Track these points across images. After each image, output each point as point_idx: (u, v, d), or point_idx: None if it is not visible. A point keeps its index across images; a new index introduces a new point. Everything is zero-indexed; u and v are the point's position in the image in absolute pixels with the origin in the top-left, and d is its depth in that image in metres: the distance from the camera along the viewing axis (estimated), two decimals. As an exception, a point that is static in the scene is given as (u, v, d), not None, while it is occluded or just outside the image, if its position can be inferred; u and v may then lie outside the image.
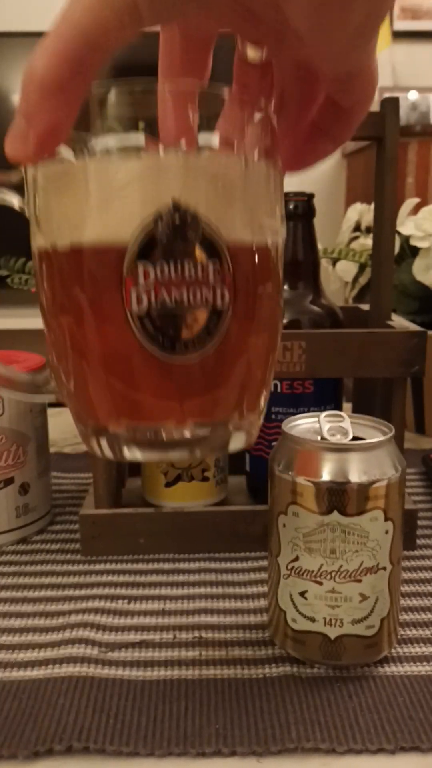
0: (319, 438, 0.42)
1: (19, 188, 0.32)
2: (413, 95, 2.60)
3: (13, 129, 0.27)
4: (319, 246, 0.85)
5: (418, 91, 2.59)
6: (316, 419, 0.44)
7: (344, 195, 2.65)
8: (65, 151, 0.29)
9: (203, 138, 0.30)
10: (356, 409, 0.68)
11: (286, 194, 0.61)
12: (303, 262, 0.60)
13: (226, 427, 0.33)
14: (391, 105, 0.57)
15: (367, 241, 0.90)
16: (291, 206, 0.60)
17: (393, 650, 0.44)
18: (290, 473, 0.41)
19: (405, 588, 0.51)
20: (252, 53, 0.32)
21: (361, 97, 0.31)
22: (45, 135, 0.26)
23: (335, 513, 0.40)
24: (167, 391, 0.31)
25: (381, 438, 0.41)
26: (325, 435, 0.42)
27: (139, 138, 0.30)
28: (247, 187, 0.31)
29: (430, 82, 2.60)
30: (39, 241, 0.32)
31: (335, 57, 0.28)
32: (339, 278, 0.95)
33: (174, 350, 0.30)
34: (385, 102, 0.57)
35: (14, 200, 0.33)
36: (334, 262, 0.92)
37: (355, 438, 0.42)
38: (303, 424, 0.44)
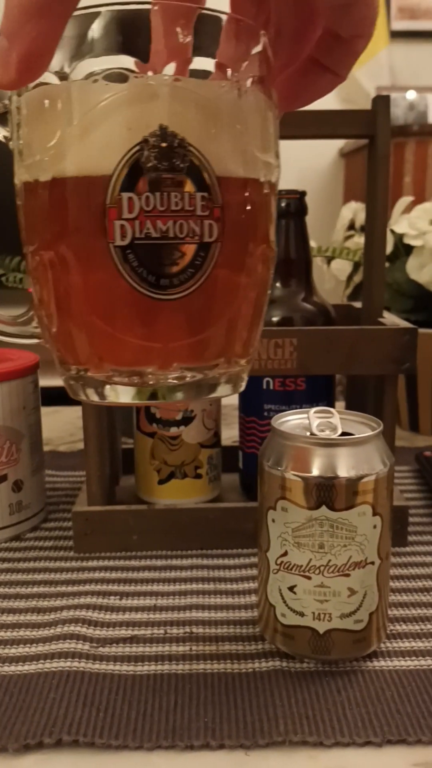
0: (308, 434, 0.42)
1: (3, 120, 0.31)
2: (411, 95, 2.60)
3: None
4: (315, 245, 0.85)
5: (416, 90, 2.59)
6: (305, 415, 0.45)
7: (342, 194, 2.65)
8: (49, 77, 0.28)
9: (196, 64, 0.29)
10: (349, 407, 0.68)
11: (278, 191, 0.61)
12: (295, 259, 0.61)
13: (213, 372, 0.31)
14: (382, 103, 0.57)
15: (361, 240, 0.90)
16: (283, 204, 0.60)
17: (382, 645, 0.44)
18: (279, 468, 0.41)
19: (395, 584, 0.52)
20: None
21: (361, 27, 0.30)
22: (28, 57, 0.25)
23: (323, 508, 0.40)
24: (152, 331, 0.30)
25: (369, 433, 0.42)
26: (314, 431, 0.42)
27: (127, 62, 0.28)
28: (240, 118, 0.29)
29: (427, 81, 2.60)
30: (22, 173, 0.30)
31: None
32: (334, 277, 0.95)
33: (159, 286, 0.28)
34: (376, 100, 0.57)
35: None
36: (329, 260, 0.92)
37: (344, 434, 0.42)
38: (293, 420, 0.45)
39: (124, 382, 0.30)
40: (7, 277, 0.80)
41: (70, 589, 0.52)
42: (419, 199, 0.92)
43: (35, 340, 0.35)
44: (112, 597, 0.50)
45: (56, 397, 1.03)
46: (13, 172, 0.31)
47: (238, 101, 0.29)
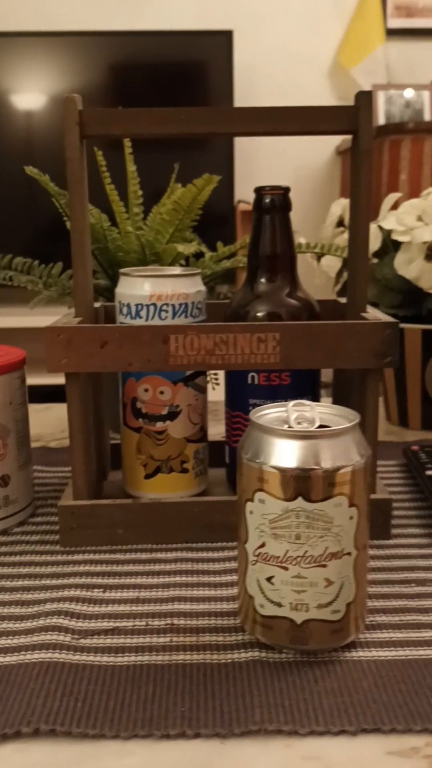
0: (285, 426, 0.43)
1: None
2: (409, 93, 2.60)
3: None
4: (304, 240, 0.86)
5: (413, 88, 2.59)
6: (284, 408, 0.45)
7: (338, 192, 2.65)
8: None
9: None
10: (336, 401, 0.68)
11: (263, 188, 0.61)
12: (280, 255, 0.61)
13: None
14: (364, 98, 0.57)
15: (351, 236, 0.90)
16: (267, 200, 0.60)
17: (361, 635, 0.45)
18: (257, 461, 0.42)
19: (377, 575, 0.52)
20: None
21: None
22: None
23: (300, 499, 0.40)
24: None
25: (345, 425, 0.42)
26: (292, 423, 0.43)
27: None
28: None
29: (424, 79, 2.60)
30: None
31: None
32: (324, 273, 0.95)
33: None
34: (359, 95, 0.57)
35: None
36: (319, 257, 0.92)
37: (322, 426, 0.43)
38: (271, 414, 0.45)
39: None
40: (-3, 275, 0.80)
41: (54, 582, 0.52)
42: (415, 196, 0.92)
43: None
44: (95, 590, 0.51)
45: (48, 395, 1.04)
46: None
47: None
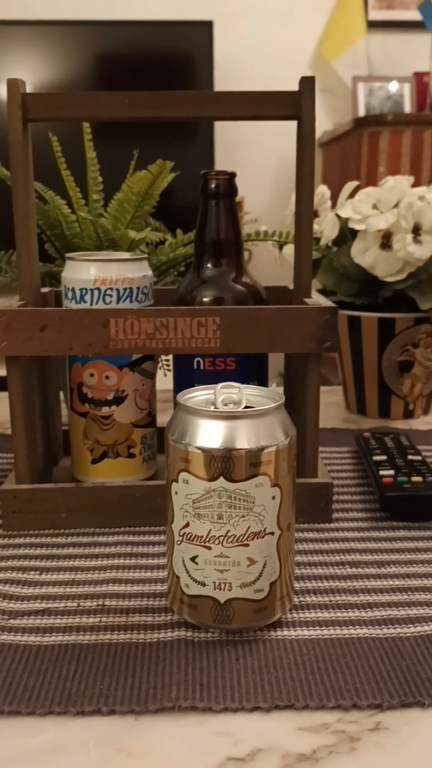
0: (211, 408, 0.43)
1: None
2: (394, 86, 2.60)
3: None
4: (263, 228, 0.86)
5: (394, 80, 2.59)
6: (212, 391, 0.45)
7: (319, 183, 2.64)
8: None
9: None
10: (286, 387, 0.68)
11: (208, 172, 0.61)
12: (225, 240, 0.61)
13: None
14: (307, 84, 0.57)
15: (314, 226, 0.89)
16: (213, 184, 0.60)
17: (289, 615, 0.45)
18: (183, 442, 0.42)
19: (314, 557, 0.52)
20: None
21: None
22: None
23: (221, 479, 0.41)
24: None
25: (269, 406, 0.42)
26: (218, 405, 0.43)
27: None
28: None
29: (404, 71, 2.60)
30: None
31: None
32: (287, 261, 0.95)
33: None
34: (302, 81, 0.58)
35: None
36: (281, 245, 0.93)
37: (247, 407, 0.43)
38: (199, 396, 0.45)
39: None
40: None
41: (-8, 565, 0.52)
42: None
43: None
44: (32, 572, 0.51)
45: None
46: None
47: None
